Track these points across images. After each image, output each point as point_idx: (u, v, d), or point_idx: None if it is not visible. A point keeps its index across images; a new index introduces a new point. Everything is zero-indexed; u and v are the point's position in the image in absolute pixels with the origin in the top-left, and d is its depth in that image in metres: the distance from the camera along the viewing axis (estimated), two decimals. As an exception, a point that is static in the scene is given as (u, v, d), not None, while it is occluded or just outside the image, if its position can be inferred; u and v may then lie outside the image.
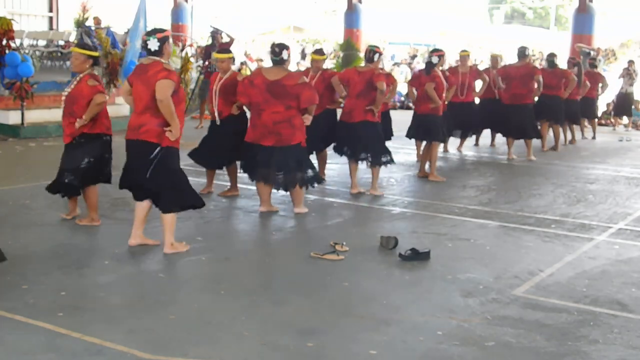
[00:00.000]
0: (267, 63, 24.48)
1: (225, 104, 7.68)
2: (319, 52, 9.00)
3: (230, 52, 8.04)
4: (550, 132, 12.94)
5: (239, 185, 8.12)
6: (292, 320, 4.50)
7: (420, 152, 10.94)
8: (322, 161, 9.04)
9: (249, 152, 7.19)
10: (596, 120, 15.44)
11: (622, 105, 17.08)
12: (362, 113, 8.22)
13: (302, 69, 12.85)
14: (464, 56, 11.79)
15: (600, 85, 14.71)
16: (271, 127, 6.98)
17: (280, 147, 7.01)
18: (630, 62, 17.36)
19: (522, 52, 11.69)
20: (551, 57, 12.80)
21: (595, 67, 15.32)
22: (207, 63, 14.74)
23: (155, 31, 5.73)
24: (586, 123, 15.19)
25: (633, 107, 17.30)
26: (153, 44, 5.62)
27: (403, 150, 11.51)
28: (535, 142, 12.19)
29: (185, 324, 4.36)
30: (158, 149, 5.61)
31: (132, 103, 5.80)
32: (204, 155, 8.01)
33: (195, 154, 8.07)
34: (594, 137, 15.00)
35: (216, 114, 7.72)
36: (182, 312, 4.55)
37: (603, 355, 4.16)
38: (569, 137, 13.99)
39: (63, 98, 6.41)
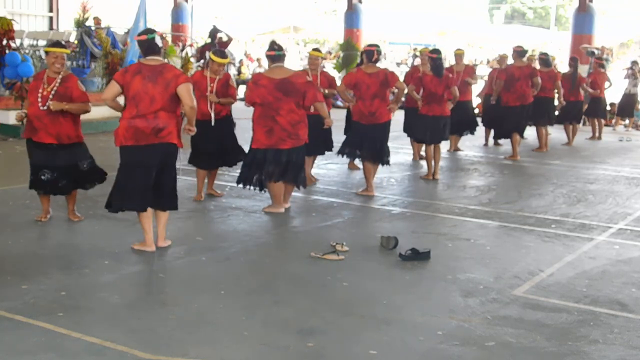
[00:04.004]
0: (265, 63, 24.55)
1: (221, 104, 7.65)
2: (318, 49, 8.95)
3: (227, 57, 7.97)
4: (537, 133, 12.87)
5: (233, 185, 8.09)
6: (292, 320, 4.50)
7: (420, 153, 10.96)
8: (311, 163, 8.92)
9: (259, 158, 7.09)
10: (602, 120, 15.47)
11: (625, 105, 17.08)
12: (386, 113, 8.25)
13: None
14: (459, 54, 12.06)
15: (608, 85, 15.12)
16: (290, 129, 7.01)
17: (295, 148, 7.09)
18: (634, 63, 17.35)
19: (523, 53, 11.76)
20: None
21: (604, 67, 15.41)
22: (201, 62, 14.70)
23: None
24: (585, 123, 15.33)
25: (635, 107, 17.31)
26: None
27: (403, 150, 11.51)
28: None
29: (185, 324, 4.36)
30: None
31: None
32: (205, 157, 7.70)
33: (196, 158, 7.73)
34: (599, 137, 14.99)
35: (213, 114, 7.47)
36: (182, 312, 4.55)
37: (603, 355, 4.15)
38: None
39: None
